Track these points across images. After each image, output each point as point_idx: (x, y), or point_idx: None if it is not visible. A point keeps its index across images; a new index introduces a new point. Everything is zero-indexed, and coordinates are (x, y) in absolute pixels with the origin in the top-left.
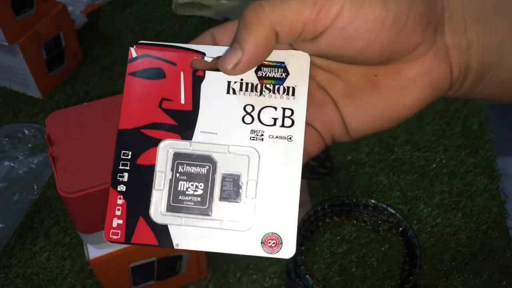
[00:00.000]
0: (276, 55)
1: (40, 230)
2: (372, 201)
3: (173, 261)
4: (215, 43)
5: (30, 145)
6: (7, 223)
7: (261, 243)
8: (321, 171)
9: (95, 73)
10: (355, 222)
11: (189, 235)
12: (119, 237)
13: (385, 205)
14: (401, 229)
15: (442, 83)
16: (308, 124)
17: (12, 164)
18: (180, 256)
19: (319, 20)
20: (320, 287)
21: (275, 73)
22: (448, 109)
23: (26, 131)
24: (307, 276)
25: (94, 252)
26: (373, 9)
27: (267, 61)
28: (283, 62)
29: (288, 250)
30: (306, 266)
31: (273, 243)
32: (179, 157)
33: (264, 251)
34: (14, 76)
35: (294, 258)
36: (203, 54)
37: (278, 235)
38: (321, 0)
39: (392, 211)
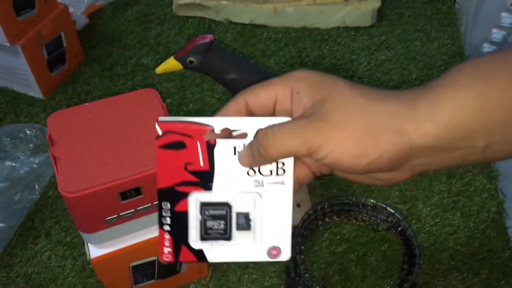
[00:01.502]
0: None
1: (41, 230)
2: (372, 200)
3: None
4: (247, 108)
5: (31, 145)
6: (9, 222)
7: (267, 253)
8: None
9: (96, 73)
10: (354, 221)
11: (217, 252)
12: (170, 259)
13: (384, 204)
14: (400, 228)
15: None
16: (299, 160)
17: (13, 164)
18: None
19: (312, 156)
20: (320, 286)
21: None
22: None
23: (27, 131)
24: (307, 275)
25: (95, 251)
26: (352, 158)
27: None
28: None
29: (286, 255)
30: (305, 265)
31: (275, 253)
32: (204, 205)
33: (269, 258)
34: (15, 77)
35: (294, 257)
36: (212, 127)
37: (278, 247)
38: (313, 146)
39: (391, 210)
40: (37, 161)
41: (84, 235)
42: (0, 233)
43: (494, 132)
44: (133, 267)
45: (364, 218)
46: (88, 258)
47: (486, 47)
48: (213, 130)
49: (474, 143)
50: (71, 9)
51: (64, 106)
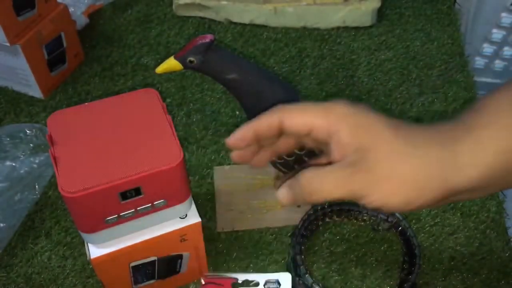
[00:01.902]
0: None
1: (41, 230)
2: None
3: (174, 261)
4: (280, 127)
5: (31, 145)
6: (9, 222)
7: None
8: None
9: (96, 73)
10: (355, 221)
11: None
12: None
13: None
14: (400, 228)
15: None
16: None
17: (13, 164)
18: (181, 255)
19: (357, 201)
20: (320, 286)
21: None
22: (447, 109)
23: (27, 131)
24: (307, 275)
25: (95, 251)
26: (397, 206)
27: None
28: (277, 280)
29: None
30: (305, 265)
31: None
32: None
33: None
34: (15, 76)
35: (294, 257)
36: (237, 279)
37: None
38: (359, 196)
39: None
40: (37, 161)
41: (84, 235)
42: (0, 233)
43: None
44: (133, 267)
45: (365, 218)
46: (88, 258)
47: (486, 47)
48: (237, 280)
49: (505, 184)
50: (71, 9)
51: (64, 106)
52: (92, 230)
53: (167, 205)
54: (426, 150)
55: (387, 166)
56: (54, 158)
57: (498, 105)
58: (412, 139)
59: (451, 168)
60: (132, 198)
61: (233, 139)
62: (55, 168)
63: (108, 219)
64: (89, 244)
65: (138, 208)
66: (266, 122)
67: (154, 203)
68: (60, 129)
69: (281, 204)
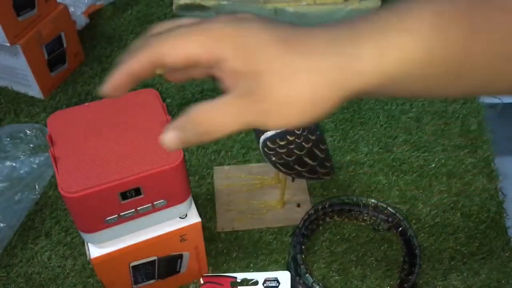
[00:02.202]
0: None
1: (41, 230)
2: (372, 200)
3: (174, 260)
4: (159, 61)
5: (31, 145)
6: (9, 222)
7: None
8: (321, 171)
9: (96, 73)
10: (355, 221)
11: None
12: None
13: (385, 204)
14: (400, 228)
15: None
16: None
17: (13, 164)
18: (181, 255)
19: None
20: (320, 286)
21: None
22: (446, 109)
23: (27, 131)
24: (307, 274)
25: (95, 251)
26: (296, 125)
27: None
28: (277, 278)
29: None
30: (306, 265)
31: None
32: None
33: None
34: (15, 77)
35: (294, 256)
36: (235, 278)
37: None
38: (256, 125)
39: (392, 210)
40: (37, 161)
41: (84, 235)
42: (0, 233)
43: (433, 82)
44: (133, 267)
45: (365, 218)
46: (88, 258)
47: None
48: (236, 279)
49: (412, 89)
50: (71, 9)
51: (64, 106)
52: (92, 230)
53: (167, 205)
54: (322, 59)
55: (283, 87)
56: (54, 158)
57: (409, 8)
58: (306, 50)
59: (349, 74)
60: (132, 198)
61: (106, 90)
62: (55, 168)
63: (108, 219)
64: (89, 244)
65: (138, 208)
66: (138, 64)
67: (154, 203)
68: (60, 129)
69: (168, 149)
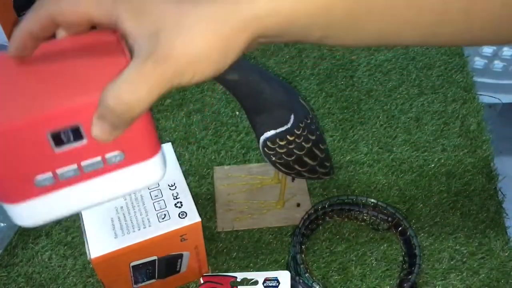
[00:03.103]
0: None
1: (42, 229)
2: (372, 200)
3: (174, 260)
4: (53, 21)
5: None
6: (9, 222)
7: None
8: (320, 170)
9: None
10: (355, 221)
11: None
12: None
13: (385, 204)
14: (400, 228)
15: None
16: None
17: None
18: (181, 255)
19: None
20: (320, 286)
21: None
22: (446, 109)
23: None
24: (307, 274)
25: (95, 251)
26: (209, 77)
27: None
28: (277, 278)
29: None
30: (305, 265)
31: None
32: None
33: None
34: None
35: (294, 256)
36: (235, 277)
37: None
38: (170, 87)
39: (392, 210)
40: None
41: (8, 207)
42: (1, 233)
43: (331, 27)
44: (134, 266)
45: (365, 217)
46: (88, 257)
47: (486, 47)
48: (236, 279)
49: (311, 34)
50: None
51: None
52: (19, 197)
53: (125, 162)
54: (218, 6)
55: (186, 40)
56: None
57: None
58: (200, 1)
59: (248, 16)
60: (70, 144)
61: (11, 50)
62: None
63: (40, 179)
64: (89, 244)
65: (82, 164)
66: (37, 22)
67: (106, 155)
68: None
69: (101, 141)
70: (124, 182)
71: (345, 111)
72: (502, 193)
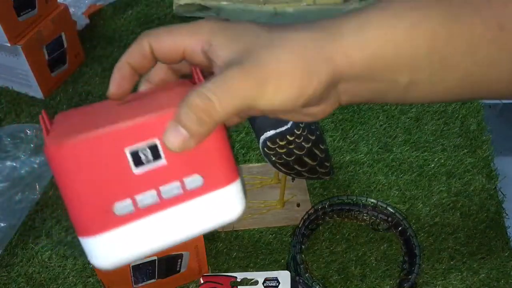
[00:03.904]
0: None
1: (42, 230)
2: (372, 200)
3: (174, 260)
4: (152, 54)
5: (32, 145)
6: (9, 222)
7: None
8: (320, 171)
9: (97, 73)
10: (355, 221)
11: None
12: None
13: (385, 204)
14: (400, 228)
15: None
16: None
17: (14, 164)
18: (181, 254)
19: (251, 109)
20: (320, 286)
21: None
22: (446, 109)
23: (28, 131)
24: (307, 274)
25: None
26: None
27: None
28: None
29: None
30: (306, 265)
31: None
32: None
33: None
34: (16, 77)
35: (294, 256)
36: (235, 277)
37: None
38: (244, 98)
39: (392, 210)
40: (37, 161)
41: (87, 242)
42: (1, 233)
43: (420, 69)
44: (134, 266)
45: (365, 217)
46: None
47: None
48: (236, 279)
49: (398, 77)
50: (71, 10)
51: (65, 106)
52: (98, 227)
53: (204, 187)
54: (308, 36)
55: (271, 59)
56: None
57: None
58: (289, 29)
59: (335, 48)
60: (149, 163)
61: (112, 89)
62: (44, 131)
63: (120, 206)
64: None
65: (161, 188)
66: (137, 51)
67: (184, 179)
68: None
69: (174, 149)
70: (203, 213)
71: (345, 111)
72: (502, 193)
